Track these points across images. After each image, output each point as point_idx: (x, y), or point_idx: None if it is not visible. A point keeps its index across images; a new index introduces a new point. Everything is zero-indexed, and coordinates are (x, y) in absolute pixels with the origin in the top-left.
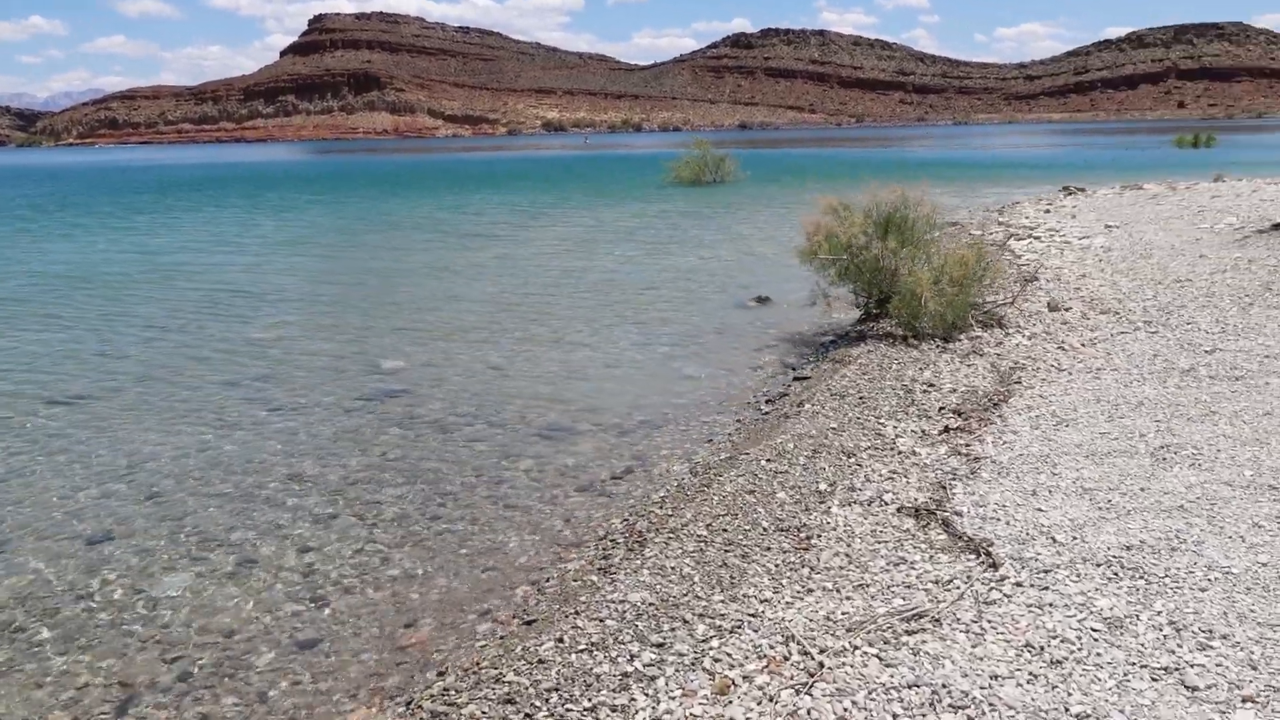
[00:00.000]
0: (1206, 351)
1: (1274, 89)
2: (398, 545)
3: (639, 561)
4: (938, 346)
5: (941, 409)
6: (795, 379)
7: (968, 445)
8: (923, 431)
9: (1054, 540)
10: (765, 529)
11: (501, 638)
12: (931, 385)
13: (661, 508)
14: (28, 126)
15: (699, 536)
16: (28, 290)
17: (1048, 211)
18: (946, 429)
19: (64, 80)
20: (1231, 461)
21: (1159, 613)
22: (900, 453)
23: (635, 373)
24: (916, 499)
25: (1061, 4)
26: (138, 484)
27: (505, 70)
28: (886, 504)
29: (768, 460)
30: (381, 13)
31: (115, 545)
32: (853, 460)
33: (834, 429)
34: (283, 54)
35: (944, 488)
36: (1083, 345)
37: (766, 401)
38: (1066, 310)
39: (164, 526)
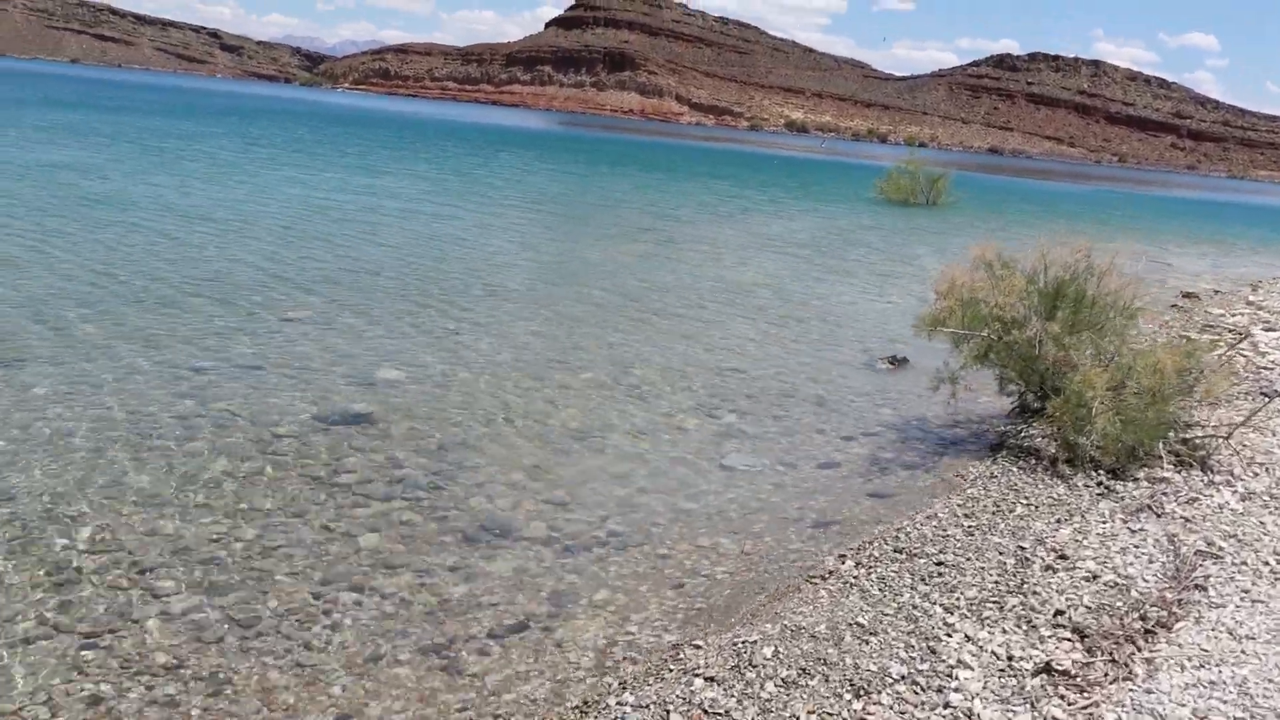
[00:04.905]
0: None
1: None
2: None
3: None
4: (1097, 485)
5: (1059, 614)
6: (870, 495)
7: None
8: (1009, 660)
9: None
10: None
11: None
12: (1063, 559)
13: None
14: (312, 68)
15: None
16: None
17: None
18: (1048, 668)
19: (351, 29)
20: None
21: None
22: (950, 706)
23: (658, 450)
24: None
25: None
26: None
27: (757, 65)
28: None
29: (711, 677)
30: None
31: None
32: (859, 707)
33: (860, 625)
34: (547, 25)
35: None
36: None
37: (814, 526)
38: None
39: None
